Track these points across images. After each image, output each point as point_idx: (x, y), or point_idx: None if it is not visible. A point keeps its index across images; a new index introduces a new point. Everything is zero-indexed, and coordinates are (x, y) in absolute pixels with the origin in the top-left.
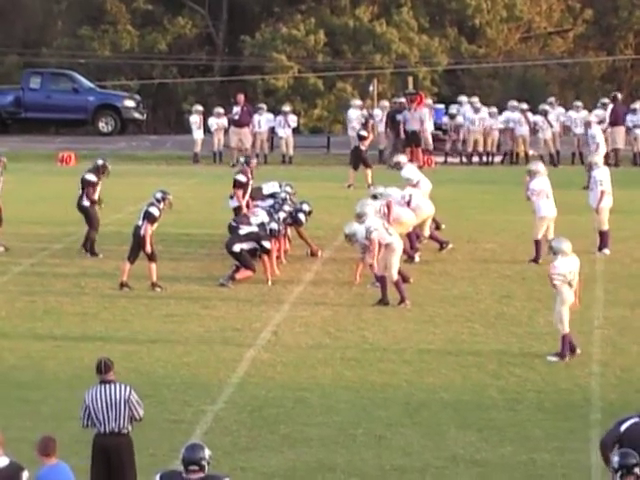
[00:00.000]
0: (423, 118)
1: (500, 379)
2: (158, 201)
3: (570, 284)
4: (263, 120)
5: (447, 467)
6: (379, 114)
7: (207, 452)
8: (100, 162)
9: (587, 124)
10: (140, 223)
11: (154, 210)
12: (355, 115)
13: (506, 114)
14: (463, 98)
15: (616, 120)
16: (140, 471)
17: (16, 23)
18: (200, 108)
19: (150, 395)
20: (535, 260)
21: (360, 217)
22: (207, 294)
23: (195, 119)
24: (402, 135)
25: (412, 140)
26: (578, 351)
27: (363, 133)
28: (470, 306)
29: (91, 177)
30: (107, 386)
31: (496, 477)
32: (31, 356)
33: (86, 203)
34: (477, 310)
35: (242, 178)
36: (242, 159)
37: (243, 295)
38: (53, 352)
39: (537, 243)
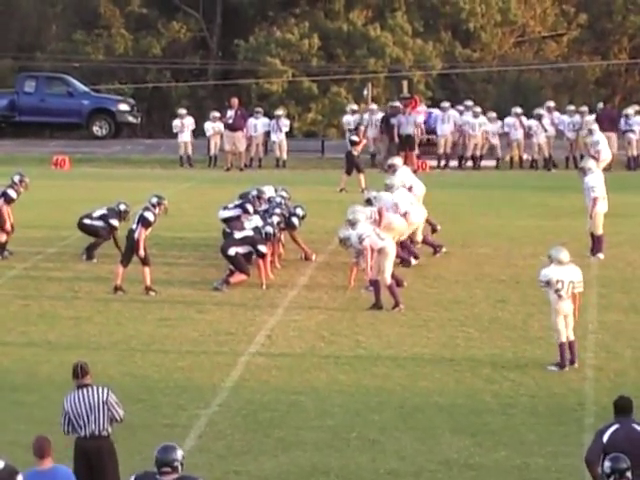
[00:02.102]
0: (417, 122)
1: (494, 383)
2: (153, 206)
3: (559, 294)
4: (259, 124)
5: (441, 471)
6: (367, 118)
7: (180, 453)
8: (122, 207)
9: (590, 131)
10: (134, 227)
11: (149, 215)
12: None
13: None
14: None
15: (608, 125)
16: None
17: (11, 27)
18: (183, 112)
19: (144, 399)
20: (415, 257)
21: (352, 224)
22: (201, 298)
23: (176, 123)
24: (396, 139)
25: (406, 144)
26: (575, 365)
27: (354, 138)
28: (464, 310)
29: (115, 223)
30: (85, 390)
31: None
32: (25, 359)
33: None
34: (471, 314)
35: (250, 209)
36: (255, 191)
37: (237, 299)
38: (47, 356)
39: (425, 241)
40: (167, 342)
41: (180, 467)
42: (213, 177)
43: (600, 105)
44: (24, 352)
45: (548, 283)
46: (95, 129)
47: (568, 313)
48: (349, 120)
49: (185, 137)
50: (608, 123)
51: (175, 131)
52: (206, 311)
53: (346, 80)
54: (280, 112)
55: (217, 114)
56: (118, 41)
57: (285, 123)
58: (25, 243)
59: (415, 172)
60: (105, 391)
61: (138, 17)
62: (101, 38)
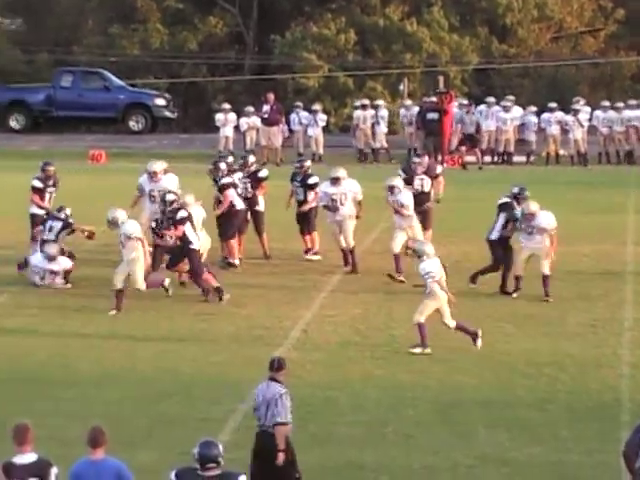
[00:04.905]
0: (479, 121)
1: (530, 379)
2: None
3: (439, 283)
4: (299, 119)
5: (476, 466)
6: (406, 114)
7: (221, 448)
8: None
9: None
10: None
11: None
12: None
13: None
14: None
15: None
16: (169, 469)
17: (47, 21)
18: (227, 106)
19: (179, 393)
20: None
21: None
22: (237, 292)
23: (220, 117)
24: (460, 135)
25: (469, 142)
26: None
27: None
28: (500, 306)
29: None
30: (269, 383)
31: (525, 477)
32: (62, 354)
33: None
34: (507, 310)
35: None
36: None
37: (273, 294)
38: (83, 351)
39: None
40: (203, 337)
41: (222, 462)
42: None
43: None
44: (61, 347)
45: (433, 277)
46: (131, 124)
47: (444, 301)
48: (358, 115)
49: (227, 132)
50: None
51: (218, 125)
52: (242, 305)
53: (382, 75)
54: (317, 107)
55: (251, 109)
56: (154, 36)
57: (322, 118)
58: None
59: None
60: (281, 392)
61: (174, 12)
62: (137, 32)
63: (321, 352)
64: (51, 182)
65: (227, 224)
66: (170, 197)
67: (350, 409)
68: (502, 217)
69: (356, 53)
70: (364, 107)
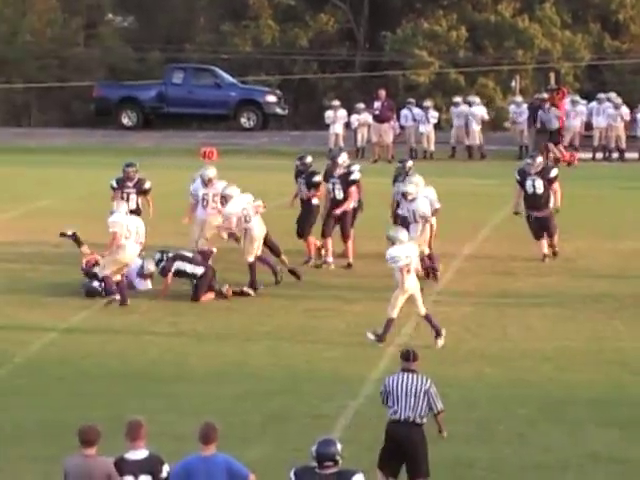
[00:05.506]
0: (561, 116)
1: None
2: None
3: (408, 269)
4: (411, 115)
5: (588, 464)
6: (517, 110)
7: (340, 446)
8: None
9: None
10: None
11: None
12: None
13: None
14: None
15: None
16: (284, 465)
17: (159, 19)
18: (336, 103)
19: (291, 389)
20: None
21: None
22: (349, 289)
23: (329, 114)
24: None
25: (551, 139)
26: (442, 335)
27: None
28: (612, 303)
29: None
30: (408, 374)
31: (637, 475)
32: (173, 350)
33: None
34: (619, 307)
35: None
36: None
37: (384, 292)
38: (195, 347)
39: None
40: (315, 333)
41: (340, 460)
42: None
43: None
44: (173, 343)
45: (396, 262)
46: (243, 120)
47: (415, 290)
48: (454, 111)
49: (337, 129)
50: None
51: (327, 122)
52: (354, 302)
53: (494, 72)
54: (428, 103)
55: (362, 105)
56: (266, 32)
57: (434, 115)
58: (173, 235)
59: (562, 163)
60: (428, 381)
61: (286, 8)
62: (249, 29)
63: (432, 349)
64: (131, 183)
65: (345, 223)
66: (150, 269)
67: (461, 406)
68: None
69: (467, 49)
70: (470, 104)
